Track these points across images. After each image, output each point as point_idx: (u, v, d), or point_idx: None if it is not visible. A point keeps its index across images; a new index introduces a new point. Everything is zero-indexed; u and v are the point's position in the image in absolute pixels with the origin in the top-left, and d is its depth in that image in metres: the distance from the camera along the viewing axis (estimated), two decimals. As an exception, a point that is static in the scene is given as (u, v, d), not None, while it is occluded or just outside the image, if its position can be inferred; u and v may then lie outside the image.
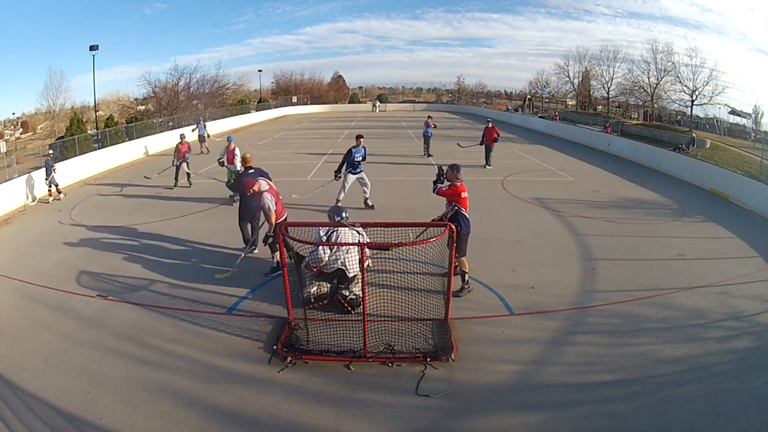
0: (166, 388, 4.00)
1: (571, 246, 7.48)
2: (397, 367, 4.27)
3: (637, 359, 4.40)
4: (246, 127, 30.24)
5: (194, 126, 18.89)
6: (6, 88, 38.84)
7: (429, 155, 16.17)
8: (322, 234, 5.23)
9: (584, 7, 46.41)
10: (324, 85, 53.74)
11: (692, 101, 30.86)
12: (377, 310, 4.80)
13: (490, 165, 14.03)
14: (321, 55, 64.34)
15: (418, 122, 21.58)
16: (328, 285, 5.37)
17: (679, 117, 32.86)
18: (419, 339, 4.63)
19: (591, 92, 40.84)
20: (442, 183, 5.81)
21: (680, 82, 31.74)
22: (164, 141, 20.17)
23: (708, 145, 22.09)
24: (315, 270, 5.10)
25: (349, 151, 8.98)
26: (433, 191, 5.80)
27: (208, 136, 18.23)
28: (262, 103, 42.64)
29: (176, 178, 12.00)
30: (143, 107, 36.55)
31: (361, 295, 4.45)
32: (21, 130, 35.53)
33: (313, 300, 5.20)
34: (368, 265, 6.16)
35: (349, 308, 5.04)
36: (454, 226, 4.65)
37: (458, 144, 15.96)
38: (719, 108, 29.87)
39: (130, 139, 19.05)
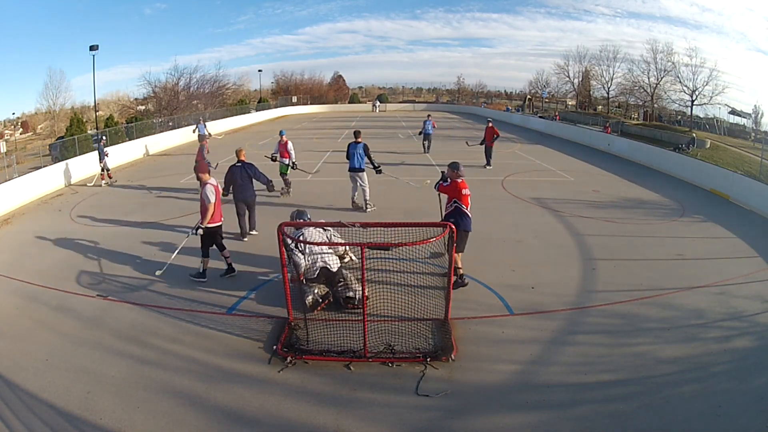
0: (166, 388, 3.99)
1: (571, 246, 7.48)
2: (397, 367, 4.27)
3: (637, 359, 4.40)
4: (246, 127, 30.28)
5: (194, 126, 18.87)
6: (6, 88, 39.01)
7: (427, 152, 16.53)
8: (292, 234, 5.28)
9: (584, 7, 46.58)
10: (324, 85, 53.81)
11: (692, 101, 30.88)
12: (377, 310, 4.79)
13: (490, 165, 14.04)
14: (321, 55, 64.60)
15: (418, 122, 21.55)
16: (323, 286, 5.40)
17: (679, 117, 32.89)
18: (419, 339, 4.63)
19: (591, 92, 40.88)
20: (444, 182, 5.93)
21: (680, 82, 31.81)
22: (164, 141, 20.19)
23: (708, 145, 22.11)
24: (300, 277, 5.08)
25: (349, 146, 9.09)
26: (434, 187, 6.05)
27: (209, 135, 18.22)
28: (262, 103, 42.65)
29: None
30: (143, 107, 36.57)
31: (361, 291, 4.51)
32: (21, 130, 35.54)
33: (321, 300, 5.22)
34: (351, 260, 6.19)
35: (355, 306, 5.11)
36: (453, 226, 4.66)
37: (467, 143, 16.01)
38: (719, 108, 29.92)
39: (130, 139, 19.05)
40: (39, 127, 36.23)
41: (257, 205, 7.96)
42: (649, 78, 34.22)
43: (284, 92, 49.40)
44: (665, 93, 33.44)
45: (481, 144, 14.51)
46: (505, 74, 61.70)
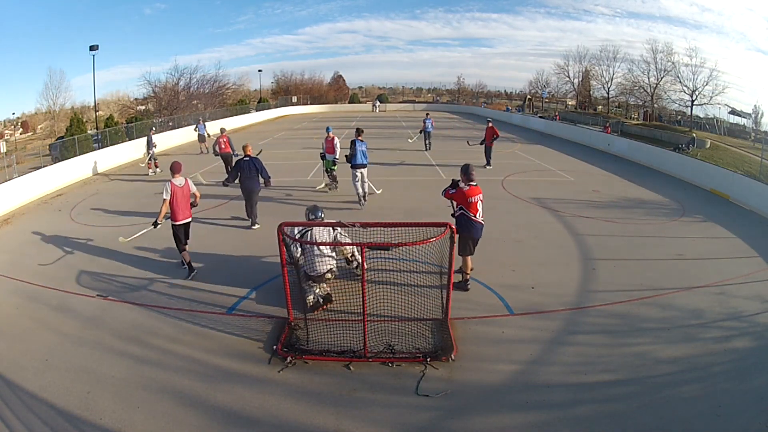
0: (166, 388, 4.00)
1: (571, 246, 7.48)
2: (397, 367, 4.27)
3: (637, 359, 4.40)
4: (246, 127, 30.28)
5: (194, 126, 18.86)
6: (6, 88, 38.96)
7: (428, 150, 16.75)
8: (296, 232, 5.33)
9: (584, 7, 46.60)
10: (324, 85, 53.80)
11: (692, 101, 30.88)
12: (377, 310, 4.79)
13: (490, 165, 14.03)
14: (321, 55, 64.57)
15: (417, 122, 21.56)
16: (324, 286, 5.41)
17: (679, 117, 32.87)
18: (419, 339, 4.63)
19: (591, 92, 40.87)
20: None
21: (680, 82, 31.80)
22: (164, 141, 20.16)
23: (708, 145, 22.10)
24: (301, 271, 5.13)
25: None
26: (441, 194, 6.11)
27: (209, 135, 18.21)
28: (262, 103, 42.64)
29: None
30: (143, 107, 36.56)
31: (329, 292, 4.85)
32: (21, 130, 35.54)
33: (321, 301, 5.23)
34: (358, 263, 6.16)
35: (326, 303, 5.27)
36: (453, 227, 4.65)
37: (467, 142, 15.99)
38: (719, 108, 29.92)
39: (130, 139, 19.04)
40: (39, 127, 36.23)
41: (259, 200, 8.50)
42: (649, 78, 34.26)
43: (284, 92, 49.40)
44: (665, 93, 33.45)
45: (481, 144, 14.52)
46: (505, 74, 61.81)
